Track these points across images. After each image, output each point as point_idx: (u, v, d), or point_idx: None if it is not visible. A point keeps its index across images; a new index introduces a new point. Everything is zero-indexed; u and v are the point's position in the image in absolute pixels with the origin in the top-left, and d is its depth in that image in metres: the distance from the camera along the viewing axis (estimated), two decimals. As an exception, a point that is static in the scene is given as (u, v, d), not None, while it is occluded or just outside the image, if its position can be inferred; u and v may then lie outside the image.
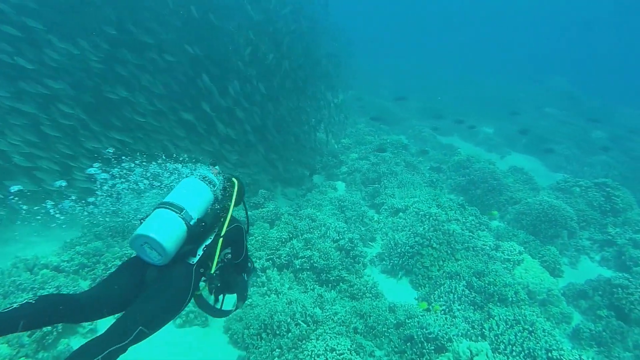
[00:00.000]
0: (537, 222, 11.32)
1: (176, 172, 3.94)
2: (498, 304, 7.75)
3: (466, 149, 18.90)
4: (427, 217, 9.75)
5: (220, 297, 3.38)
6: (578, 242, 11.49)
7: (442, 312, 7.59)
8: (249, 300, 7.33)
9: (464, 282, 8.10)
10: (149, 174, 4.16)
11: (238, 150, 10.76)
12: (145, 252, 2.76)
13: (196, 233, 2.96)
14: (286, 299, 6.92)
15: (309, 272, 7.92)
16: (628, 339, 7.92)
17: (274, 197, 11.24)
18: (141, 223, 2.83)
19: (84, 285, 7.27)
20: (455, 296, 7.78)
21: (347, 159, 14.57)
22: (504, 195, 12.86)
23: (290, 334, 6.35)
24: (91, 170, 4.23)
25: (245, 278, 3.61)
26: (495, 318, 7.18)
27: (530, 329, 6.92)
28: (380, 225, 10.37)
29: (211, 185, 3.24)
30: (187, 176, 3.28)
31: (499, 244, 9.79)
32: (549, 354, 6.60)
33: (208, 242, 3.09)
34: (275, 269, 8.03)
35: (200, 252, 3.01)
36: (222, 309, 3.33)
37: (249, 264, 3.67)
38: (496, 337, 6.88)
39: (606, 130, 22.56)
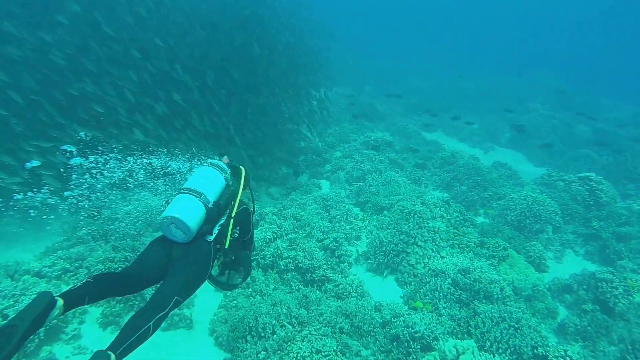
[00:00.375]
0: (521, 218, 11.34)
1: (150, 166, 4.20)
2: (484, 301, 7.72)
3: (451, 145, 18.93)
4: (412, 214, 9.68)
5: (227, 272, 3.90)
6: (563, 236, 11.54)
7: (428, 310, 7.54)
8: (234, 302, 7.24)
9: (450, 279, 8.06)
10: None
11: (218, 145, 10.65)
12: (171, 232, 3.24)
13: (213, 214, 3.44)
14: (271, 300, 6.82)
15: (293, 273, 7.82)
16: (613, 333, 7.93)
17: (258, 197, 11.13)
18: (164, 207, 3.30)
19: (67, 290, 7.13)
20: (441, 294, 7.74)
21: (331, 157, 14.43)
22: (489, 191, 12.87)
23: (275, 336, 6.27)
24: (66, 147, 4.22)
25: (249, 254, 4.14)
26: (481, 315, 7.15)
27: (516, 325, 6.89)
28: (365, 224, 10.29)
29: (223, 173, 3.74)
30: (202, 165, 3.75)
31: (484, 240, 9.76)
32: (535, 351, 6.59)
33: (221, 222, 3.59)
34: (259, 269, 7.93)
35: (215, 230, 3.50)
36: (229, 282, 3.91)
37: (253, 242, 4.23)
38: (482, 335, 6.85)
39: (589, 124, 22.72)
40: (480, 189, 12.93)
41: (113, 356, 2.50)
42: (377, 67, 34.81)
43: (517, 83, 31.48)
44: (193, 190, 3.39)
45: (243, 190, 3.87)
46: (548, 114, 24.48)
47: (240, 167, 4.01)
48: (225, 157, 4.05)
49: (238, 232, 3.90)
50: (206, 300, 7.64)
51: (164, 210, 3.25)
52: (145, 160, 4.50)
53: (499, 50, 55.18)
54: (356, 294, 7.75)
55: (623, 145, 19.10)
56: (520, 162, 19.10)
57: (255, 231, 8.66)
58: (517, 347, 6.57)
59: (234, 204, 3.69)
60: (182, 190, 3.41)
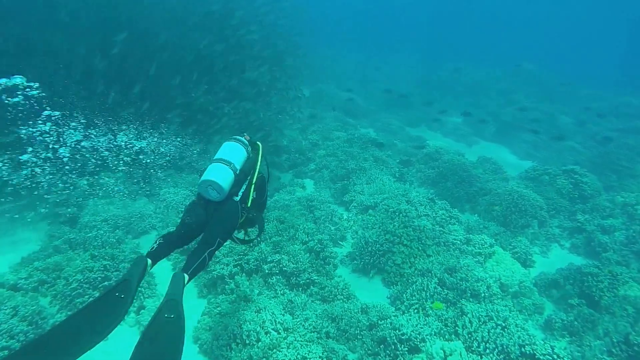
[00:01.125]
0: (507, 213, 11.35)
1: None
2: (471, 299, 7.66)
3: (435, 140, 18.91)
4: (397, 213, 9.60)
5: (244, 230, 4.81)
6: (548, 230, 11.58)
7: (415, 310, 7.45)
8: (218, 308, 7.09)
9: (436, 279, 7.99)
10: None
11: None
12: (208, 192, 4.07)
13: (239, 179, 4.29)
14: (255, 306, 6.65)
15: (278, 277, 7.67)
16: (599, 327, 7.94)
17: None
18: (201, 174, 4.10)
19: (44, 302, 6.90)
20: (428, 294, 7.64)
21: (314, 155, 14.31)
22: (474, 187, 12.83)
23: (260, 343, 6.11)
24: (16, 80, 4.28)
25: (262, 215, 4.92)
26: (468, 315, 7.07)
27: (503, 324, 6.83)
28: (350, 224, 10.18)
29: (245, 147, 4.51)
30: (228, 141, 4.50)
31: (470, 237, 9.72)
32: (522, 349, 6.53)
33: (244, 187, 4.41)
34: (243, 274, 7.75)
35: (240, 193, 4.33)
36: (247, 239, 4.79)
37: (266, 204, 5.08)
38: (469, 335, 6.77)
39: (572, 114, 22.84)
40: (466, 185, 12.89)
41: (186, 276, 3.47)
42: (359, 62, 34.63)
43: (498, 75, 31.33)
44: (224, 160, 4.20)
45: (260, 161, 4.65)
46: (532, 106, 24.56)
47: (258, 142, 4.82)
48: (246, 134, 4.75)
49: (256, 195, 4.54)
50: (189, 307, 7.46)
51: (201, 176, 4.08)
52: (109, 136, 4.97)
53: (476, 41, 55.08)
54: (342, 297, 7.63)
55: (607, 137, 19.24)
56: (505, 155, 19.14)
57: (238, 234, 8.57)
58: (504, 347, 6.51)
59: (254, 172, 4.51)
60: (215, 160, 4.21)
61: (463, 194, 12.68)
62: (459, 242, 9.45)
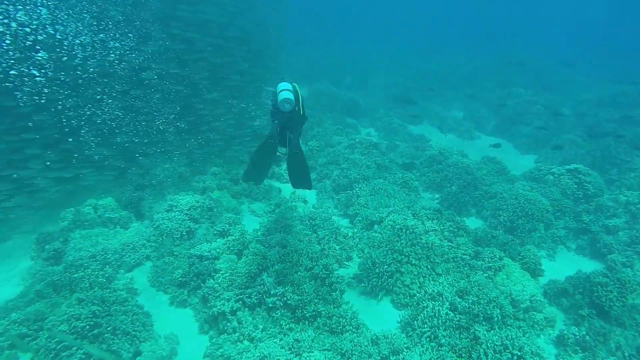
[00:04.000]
0: (514, 218, 11.08)
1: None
2: (484, 323, 7.38)
3: (437, 138, 18.55)
4: (404, 230, 9.26)
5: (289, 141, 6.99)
6: (555, 232, 11.36)
7: (427, 339, 7.15)
8: (220, 350, 6.74)
9: (447, 303, 7.70)
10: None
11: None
12: (285, 106, 6.45)
13: (297, 100, 6.59)
14: (259, 352, 6.30)
15: (283, 310, 7.32)
16: (610, 341, 7.75)
17: (240, 215, 10.64)
18: (277, 98, 6.46)
19: (25, 359, 6.28)
20: (440, 321, 7.35)
21: (315, 163, 13.91)
22: (479, 190, 12.56)
23: (266, 394, 5.80)
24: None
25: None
26: (482, 345, 6.81)
27: (519, 353, 6.59)
28: (355, 241, 9.84)
29: (291, 84, 6.74)
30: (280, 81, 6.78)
31: (478, 250, 9.41)
32: (540, 381, 6.30)
33: (298, 105, 6.63)
34: (246, 309, 7.40)
35: (297, 108, 6.62)
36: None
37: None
38: (485, 369, 6.52)
39: (571, 106, 22.51)
40: (471, 189, 12.60)
41: (291, 135, 6.80)
42: (356, 55, 34.10)
43: (496, 67, 30.83)
44: (288, 89, 6.50)
45: (300, 93, 6.81)
46: (532, 99, 24.12)
47: (294, 84, 6.86)
48: (286, 79, 6.86)
49: (303, 111, 6.77)
50: (190, 348, 7.10)
51: (279, 96, 6.41)
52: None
53: (473, 32, 54.64)
54: (351, 327, 7.26)
55: (605, 129, 18.95)
56: (508, 151, 18.83)
57: (239, 263, 8.25)
58: (522, 380, 6.27)
59: (299, 99, 6.67)
60: (283, 89, 6.46)
61: (469, 198, 12.38)
62: (467, 257, 9.14)
